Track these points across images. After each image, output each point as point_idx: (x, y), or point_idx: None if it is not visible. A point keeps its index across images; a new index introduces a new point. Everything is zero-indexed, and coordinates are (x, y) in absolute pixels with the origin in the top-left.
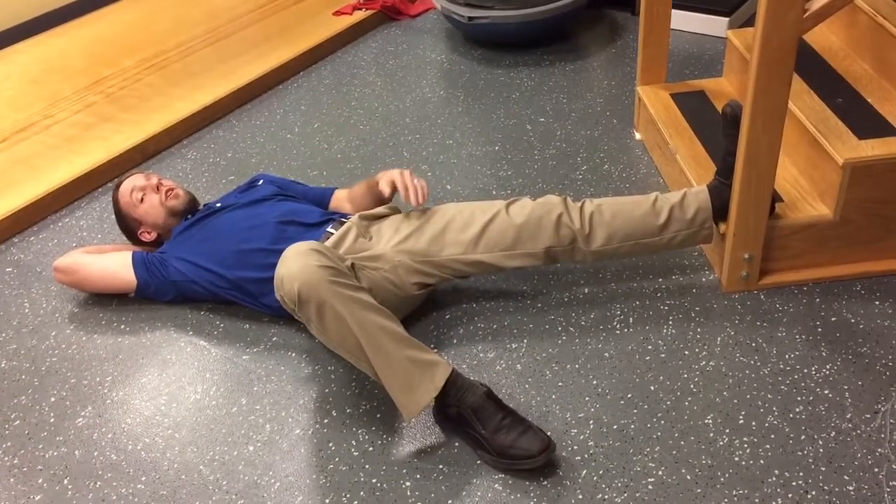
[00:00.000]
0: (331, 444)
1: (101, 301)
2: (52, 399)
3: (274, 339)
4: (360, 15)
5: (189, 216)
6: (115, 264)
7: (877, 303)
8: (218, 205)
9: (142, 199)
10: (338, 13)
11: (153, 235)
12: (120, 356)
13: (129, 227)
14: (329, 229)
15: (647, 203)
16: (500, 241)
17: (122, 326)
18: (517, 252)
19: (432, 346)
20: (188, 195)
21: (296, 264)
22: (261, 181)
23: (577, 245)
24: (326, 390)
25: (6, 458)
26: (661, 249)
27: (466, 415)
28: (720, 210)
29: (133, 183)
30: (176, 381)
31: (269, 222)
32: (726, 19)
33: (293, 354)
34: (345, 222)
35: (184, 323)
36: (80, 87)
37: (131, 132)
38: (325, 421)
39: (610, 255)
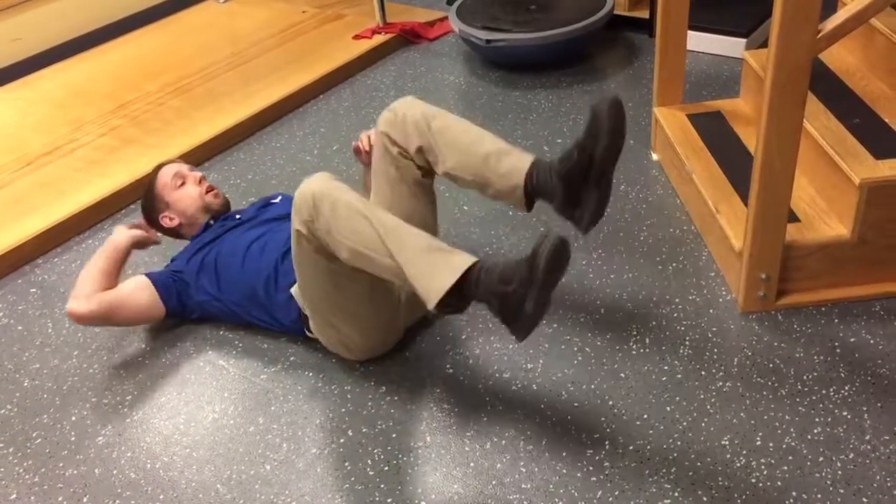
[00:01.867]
0: (346, 464)
1: None
2: (73, 418)
3: (291, 358)
4: (379, 39)
5: (212, 221)
6: (142, 301)
7: None
8: (238, 217)
9: (181, 185)
10: (357, 37)
11: (175, 223)
12: (140, 376)
13: (154, 207)
14: None
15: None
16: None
17: (143, 346)
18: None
19: (448, 366)
20: (225, 200)
21: (312, 178)
22: (279, 198)
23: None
24: (343, 409)
25: (27, 476)
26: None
27: (492, 288)
28: (533, 188)
29: (178, 168)
30: (194, 401)
31: (274, 247)
32: (744, 40)
33: (310, 374)
34: None
35: (203, 343)
36: (105, 111)
37: (154, 155)
38: (342, 440)
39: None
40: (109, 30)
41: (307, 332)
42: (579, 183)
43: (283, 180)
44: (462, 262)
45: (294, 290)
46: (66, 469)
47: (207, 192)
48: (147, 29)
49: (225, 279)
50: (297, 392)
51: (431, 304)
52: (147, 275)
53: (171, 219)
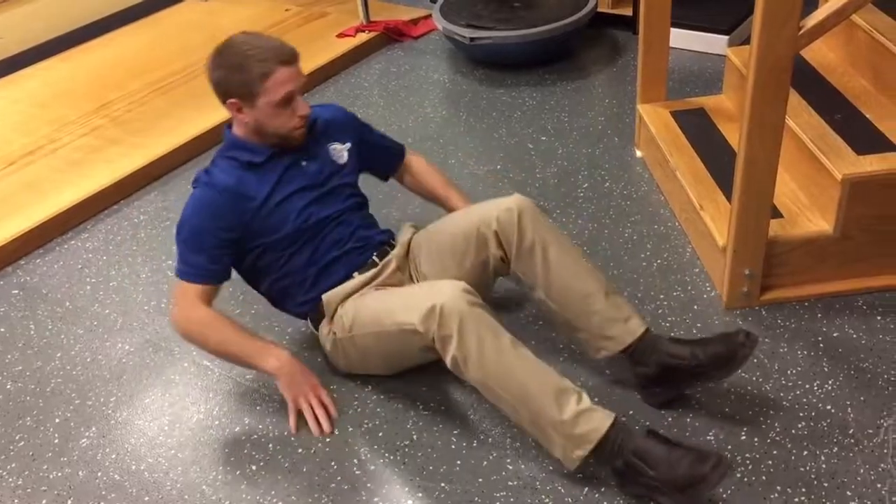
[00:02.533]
0: (333, 464)
1: (106, 323)
2: (57, 420)
3: None
4: (363, 37)
5: (275, 152)
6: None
7: (878, 318)
8: (304, 163)
9: (285, 102)
10: (341, 35)
11: (246, 119)
12: (124, 377)
13: (239, 84)
14: (374, 257)
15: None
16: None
17: (127, 347)
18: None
19: (433, 364)
20: (305, 142)
21: (443, 290)
22: (343, 150)
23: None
24: None
25: (10, 479)
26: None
27: (631, 463)
28: (631, 357)
29: (298, 83)
30: (179, 402)
31: (336, 241)
32: (726, 37)
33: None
34: (388, 251)
35: (186, 343)
36: (87, 111)
37: (137, 155)
38: (328, 440)
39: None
40: (91, 29)
41: (312, 326)
42: (673, 379)
43: None
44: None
45: (326, 297)
46: (50, 471)
47: (300, 121)
48: (129, 28)
49: (283, 244)
50: None
51: (569, 467)
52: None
53: (239, 110)
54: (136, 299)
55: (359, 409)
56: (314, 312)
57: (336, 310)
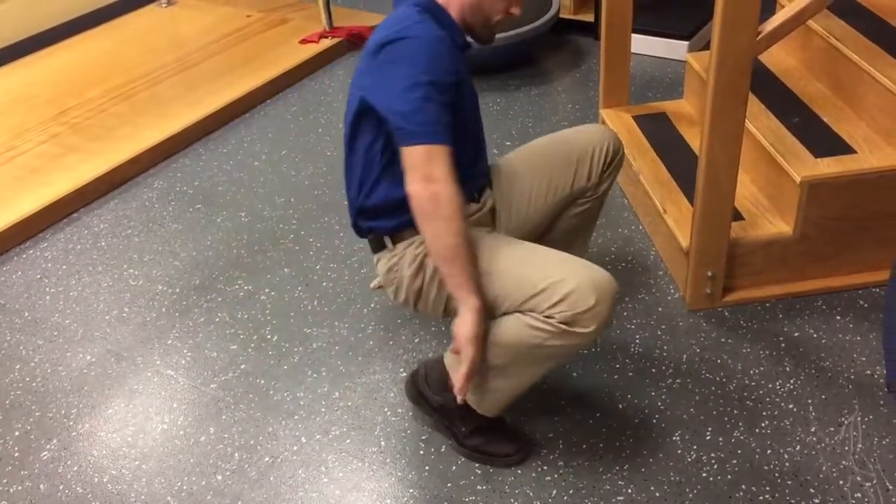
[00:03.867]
0: (300, 472)
1: (66, 333)
2: (17, 433)
3: (242, 366)
4: (326, 43)
5: (469, 42)
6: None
7: (838, 317)
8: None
9: None
10: (304, 41)
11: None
12: (85, 388)
13: None
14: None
15: None
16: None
17: (88, 358)
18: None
19: (401, 370)
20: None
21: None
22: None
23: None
24: (296, 417)
25: None
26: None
27: (451, 409)
28: None
29: None
30: (143, 412)
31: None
32: (686, 43)
33: (262, 382)
34: (486, 188)
35: (150, 352)
36: (46, 118)
37: (97, 162)
38: (295, 448)
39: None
40: (50, 34)
41: (391, 243)
42: None
43: (231, 186)
44: None
45: None
46: (10, 485)
47: (502, 21)
48: (89, 33)
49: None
50: (249, 401)
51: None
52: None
53: None
54: (97, 309)
55: (326, 417)
56: (411, 229)
57: None
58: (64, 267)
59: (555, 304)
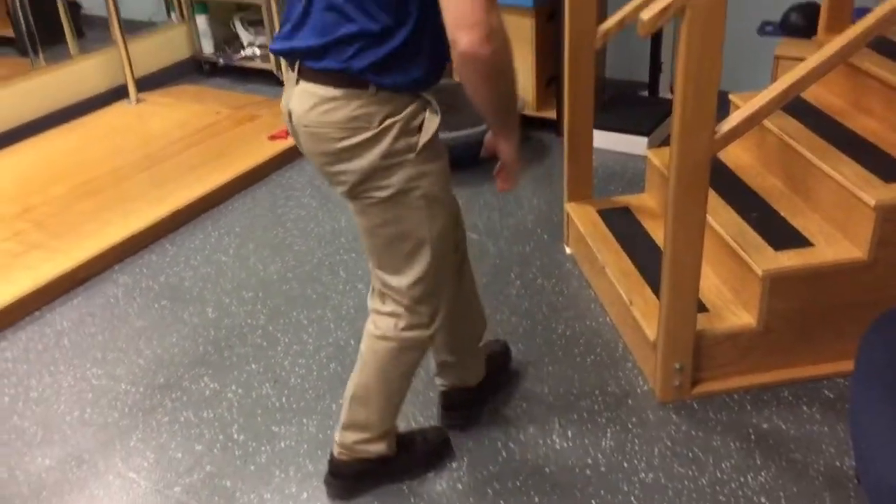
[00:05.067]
0: None
1: (25, 436)
2: None
3: (207, 468)
4: (293, 140)
5: None
6: None
7: (804, 408)
8: None
9: None
10: (273, 137)
11: None
12: (44, 493)
13: None
14: None
15: None
16: None
17: (48, 462)
18: None
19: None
20: None
21: None
22: None
23: None
24: None
25: None
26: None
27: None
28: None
29: None
30: None
31: None
32: (645, 138)
33: (228, 483)
34: None
35: (112, 455)
36: (9, 216)
37: (60, 259)
38: None
39: None
40: (17, 132)
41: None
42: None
43: (198, 282)
44: None
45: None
46: None
47: None
48: (56, 131)
49: None
50: (215, 503)
51: None
52: None
53: None
54: (58, 410)
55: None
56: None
57: None
58: (24, 367)
59: None
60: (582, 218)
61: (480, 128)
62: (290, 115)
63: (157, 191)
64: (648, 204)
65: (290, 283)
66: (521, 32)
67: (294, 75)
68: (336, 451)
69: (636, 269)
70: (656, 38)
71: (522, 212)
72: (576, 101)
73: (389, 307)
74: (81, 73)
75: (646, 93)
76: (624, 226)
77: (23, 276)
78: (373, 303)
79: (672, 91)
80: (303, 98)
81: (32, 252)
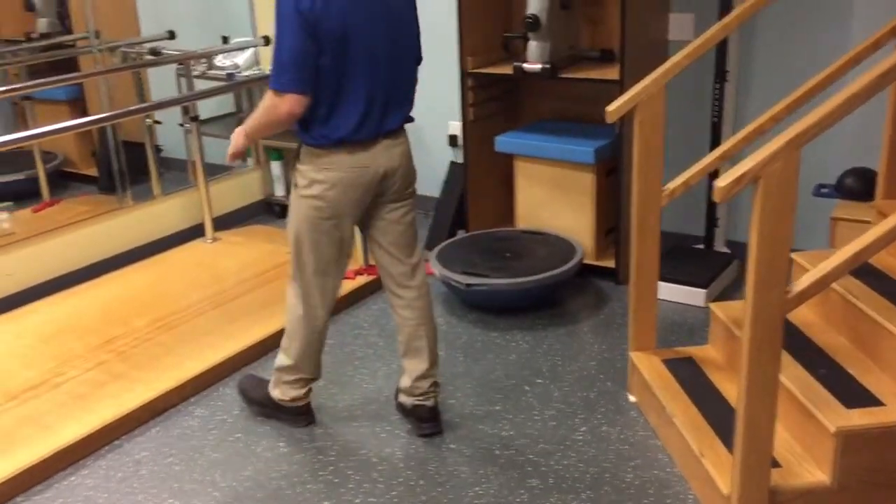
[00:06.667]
0: None
1: None
2: None
3: None
4: (361, 280)
5: None
6: None
7: None
8: None
9: None
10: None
11: None
12: None
13: None
14: None
15: None
16: None
17: None
18: None
19: None
20: None
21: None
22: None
23: None
24: None
25: None
26: None
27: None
28: None
29: None
30: None
31: None
32: (704, 290)
33: None
34: None
35: None
36: (93, 346)
37: (141, 390)
38: None
39: None
40: (98, 267)
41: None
42: None
43: None
44: None
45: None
46: None
47: None
48: (135, 266)
49: None
50: None
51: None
52: None
53: None
54: None
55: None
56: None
57: None
58: (105, 495)
59: None
60: (647, 367)
61: (544, 274)
62: (383, 174)
63: (230, 326)
64: (713, 356)
65: (358, 420)
66: (582, 186)
67: (380, 144)
68: (431, 402)
69: (706, 422)
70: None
71: (584, 357)
72: (642, 255)
73: (420, 277)
74: (164, 211)
75: (701, 245)
76: (690, 377)
77: (105, 405)
78: (410, 281)
79: (727, 245)
80: (394, 151)
81: (115, 382)
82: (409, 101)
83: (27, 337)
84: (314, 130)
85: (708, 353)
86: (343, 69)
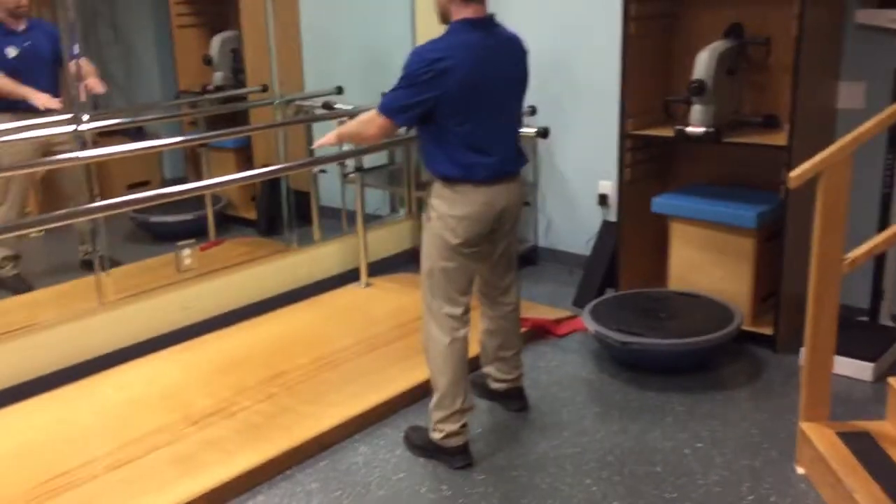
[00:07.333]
0: None
1: None
2: None
3: None
4: None
5: None
6: None
7: None
8: None
9: None
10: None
11: None
12: None
13: None
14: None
15: None
16: None
17: None
18: None
19: None
20: None
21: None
22: None
23: None
24: None
25: None
26: None
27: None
28: None
29: None
30: None
31: None
32: (872, 365)
33: None
34: None
35: None
36: (263, 379)
37: (310, 424)
38: None
39: None
40: (263, 305)
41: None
42: None
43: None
44: None
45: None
46: None
47: None
48: (296, 306)
49: None
50: None
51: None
52: None
53: None
54: None
55: None
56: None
57: None
58: None
59: None
60: (820, 439)
61: (704, 337)
62: (501, 211)
63: (391, 369)
64: (891, 432)
65: (518, 471)
66: (742, 250)
67: (502, 185)
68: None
69: (889, 499)
70: (879, 266)
71: (746, 424)
72: (818, 324)
73: (514, 293)
74: (323, 256)
75: (865, 318)
76: (869, 452)
77: (279, 435)
78: (505, 300)
79: (892, 319)
80: (512, 192)
81: (285, 414)
82: (521, 149)
83: (203, 367)
84: (449, 169)
85: (886, 429)
86: (476, 117)
